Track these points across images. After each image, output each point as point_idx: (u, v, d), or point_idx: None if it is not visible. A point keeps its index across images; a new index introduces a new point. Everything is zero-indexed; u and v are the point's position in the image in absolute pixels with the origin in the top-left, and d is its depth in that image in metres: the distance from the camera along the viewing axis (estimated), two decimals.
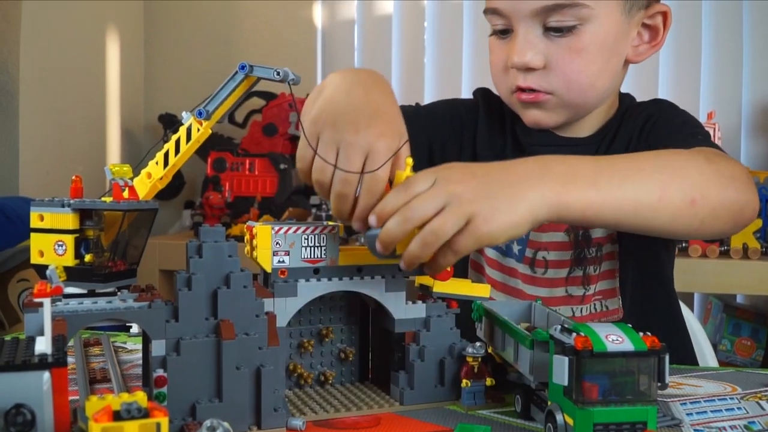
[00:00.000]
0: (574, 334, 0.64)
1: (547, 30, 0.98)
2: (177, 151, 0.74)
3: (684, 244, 1.83)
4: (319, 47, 2.48)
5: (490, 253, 1.10)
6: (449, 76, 2.38)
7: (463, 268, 1.12)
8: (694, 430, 0.71)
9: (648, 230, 0.84)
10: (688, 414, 0.76)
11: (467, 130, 1.12)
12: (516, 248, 1.07)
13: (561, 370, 0.63)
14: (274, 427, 0.69)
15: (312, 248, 0.76)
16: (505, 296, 1.08)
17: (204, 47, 2.53)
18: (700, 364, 1.18)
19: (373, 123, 0.74)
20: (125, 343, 1.02)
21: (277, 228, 0.75)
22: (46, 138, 2.12)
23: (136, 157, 2.47)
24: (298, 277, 0.75)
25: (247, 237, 0.77)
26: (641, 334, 0.64)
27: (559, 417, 0.65)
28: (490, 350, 0.79)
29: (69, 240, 0.68)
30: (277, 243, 0.75)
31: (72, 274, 0.68)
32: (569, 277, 1.05)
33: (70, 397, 0.59)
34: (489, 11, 1.02)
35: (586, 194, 0.77)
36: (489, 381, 0.76)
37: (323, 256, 0.77)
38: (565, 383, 0.63)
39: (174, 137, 0.74)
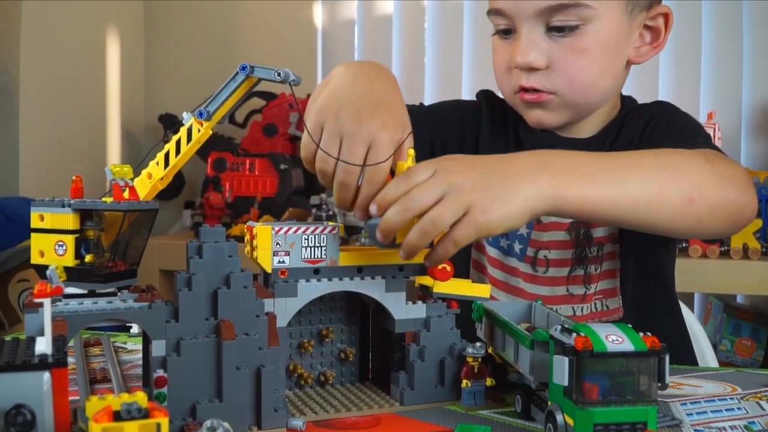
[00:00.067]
0: (574, 335, 0.64)
1: (550, 30, 0.98)
2: (177, 151, 0.74)
3: (684, 245, 1.83)
4: (319, 47, 2.48)
5: (492, 252, 1.10)
6: (449, 76, 2.38)
7: (465, 268, 1.12)
8: (695, 430, 0.71)
9: (646, 227, 0.85)
10: (688, 414, 0.76)
11: (469, 131, 1.13)
12: (517, 247, 1.07)
13: (561, 370, 0.63)
14: (275, 428, 0.69)
15: (312, 248, 0.76)
16: (507, 295, 1.08)
17: (204, 47, 2.53)
18: (700, 365, 1.18)
19: (375, 114, 0.76)
20: (125, 343, 1.02)
21: (277, 228, 0.75)
22: (46, 138, 2.12)
23: (137, 157, 2.47)
24: (299, 278, 0.75)
25: (247, 237, 0.77)
26: (641, 334, 0.64)
27: (559, 417, 0.65)
28: (490, 350, 0.79)
29: (69, 240, 0.68)
30: (278, 243, 0.75)
31: (72, 275, 0.68)
32: (570, 276, 1.05)
33: (71, 398, 0.59)
34: (492, 12, 1.03)
35: (585, 189, 0.78)
36: (489, 381, 0.76)
37: (323, 256, 0.77)
38: (566, 383, 0.63)
39: (174, 138, 0.74)
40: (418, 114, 1.08)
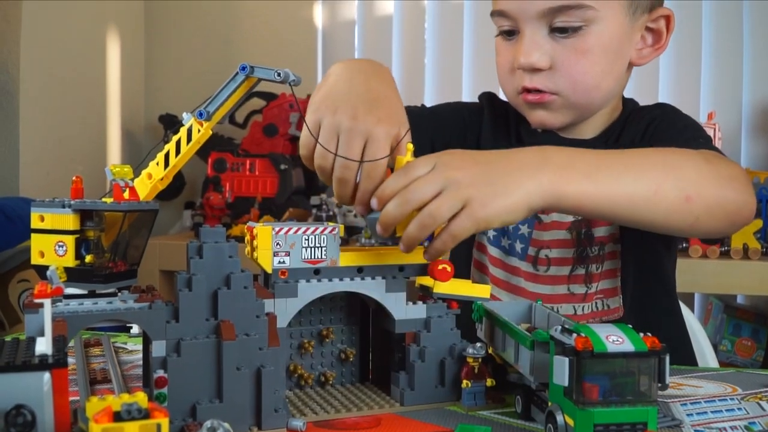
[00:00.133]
0: (575, 335, 0.64)
1: (553, 31, 0.99)
2: (177, 151, 0.74)
3: (685, 245, 1.83)
4: (319, 47, 2.48)
5: (494, 252, 1.10)
6: (450, 77, 2.37)
7: (467, 268, 1.12)
8: (695, 430, 0.71)
9: (643, 224, 0.85)
10: (688, 414, 0.76)
11: (471, 133, 1.14)
12: (519, 247, 1.07)
13: (561, 370, 0.63)
14: (275, 428, 0.68)
15: (312, 249, 0.76)
16: (508, 294, 1.08)
17: (204, 47, 2.53)
18: (701, 365, 1.18)
19: (372, 110, 0.77)
20: (126, 343, 1.02)
21: (277, 228, 0.75)
22: (46, 138, 2.12)
23: (137, 157, 2.47)
24: (299, 278, 0.75)
25: (247, 238, 0.77)
26: (641, 334, 0.64)
27: (559, 418, 0.65)
28: (490, 351, 0.79)
29: (69, 240, 0.68)
30: (278, 243, 0.75)
31: (72, 275, 0.68)
32: (571, 275, 1.05)
33: (71, 398, 0.59)
34: (495, 13, 1.04)
35: (583, 185, 0.79)
36: (489, 382, 0.76)
37: (323, 256, 0.77)
38: (566, 384, 0.63)
39: (174, 138, 0.74)
40: (420, 115, 1.09)
